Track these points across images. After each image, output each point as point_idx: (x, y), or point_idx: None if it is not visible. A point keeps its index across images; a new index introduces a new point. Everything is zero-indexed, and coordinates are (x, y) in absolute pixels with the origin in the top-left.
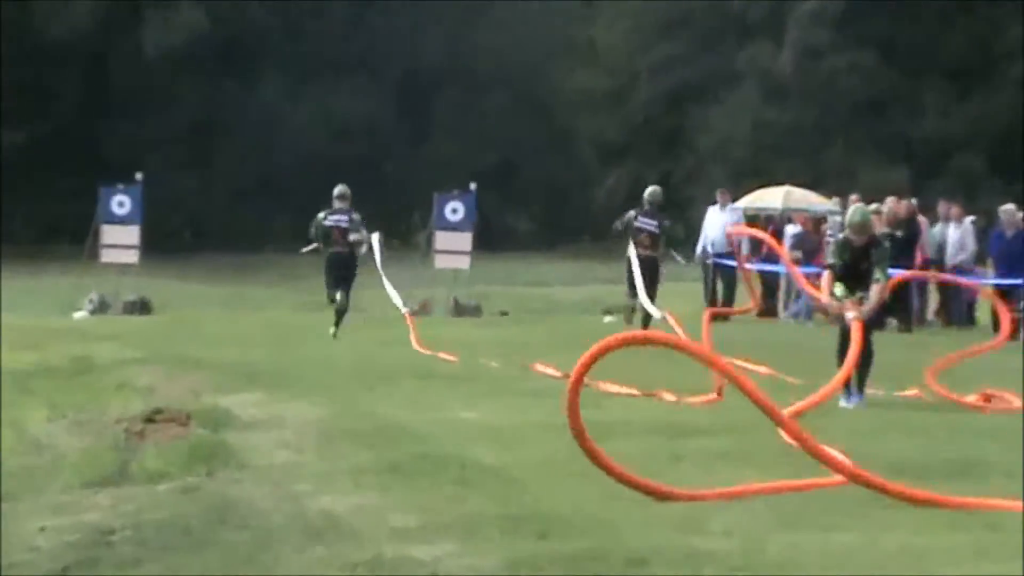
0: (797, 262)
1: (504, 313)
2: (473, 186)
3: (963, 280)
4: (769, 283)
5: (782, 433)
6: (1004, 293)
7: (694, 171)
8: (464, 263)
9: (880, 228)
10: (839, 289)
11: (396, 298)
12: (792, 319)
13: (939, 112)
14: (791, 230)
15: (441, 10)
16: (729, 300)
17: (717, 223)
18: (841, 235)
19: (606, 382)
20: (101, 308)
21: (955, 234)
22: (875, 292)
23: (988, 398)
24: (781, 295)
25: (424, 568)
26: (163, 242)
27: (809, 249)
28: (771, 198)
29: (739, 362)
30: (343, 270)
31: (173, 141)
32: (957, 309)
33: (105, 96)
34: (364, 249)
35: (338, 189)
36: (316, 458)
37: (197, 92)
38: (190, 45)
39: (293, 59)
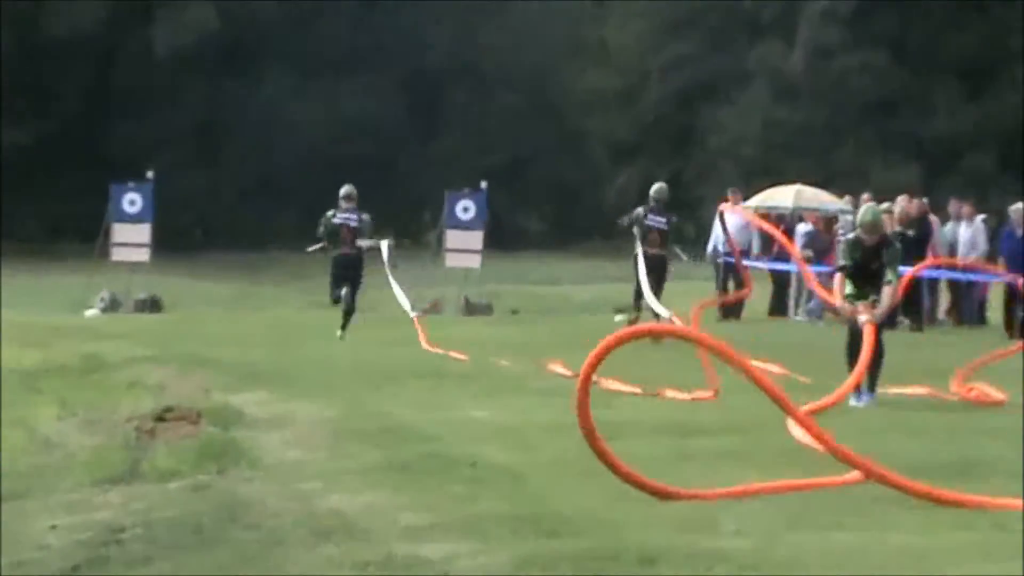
0: (808, 261)
1: (515, 312)
2: (484, 185)
3: (990, 268)
4: (780, 282)
5: (792, 431)
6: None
7: (705, 170)
8: (475, 262)
9: (892, 227)
10: (848, 287)
11: (405, 302)
12: (807, 317)
13: (950, 111)
14: (802, 229)
15: (449, 8)
16: (739, 299)
17: (728, 222)
18: (851, 234)
19: (610, 379)
20: (112, 306)
21: (966, 233)
22: (887, 294)
23: (969, 391)
24: (792, 294)
25: (434, 567)
26: (173, 240)
27: (820, 248)
28: (782, 197)
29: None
30: (350, 271)
31: (180, 139)
32: (968, 308)
33: (112, 95)
34: (370, 245)
35: (344, 189)
36: (326, 457)
37: (204, 90)
38: (198, 44)
39: (300, 57)
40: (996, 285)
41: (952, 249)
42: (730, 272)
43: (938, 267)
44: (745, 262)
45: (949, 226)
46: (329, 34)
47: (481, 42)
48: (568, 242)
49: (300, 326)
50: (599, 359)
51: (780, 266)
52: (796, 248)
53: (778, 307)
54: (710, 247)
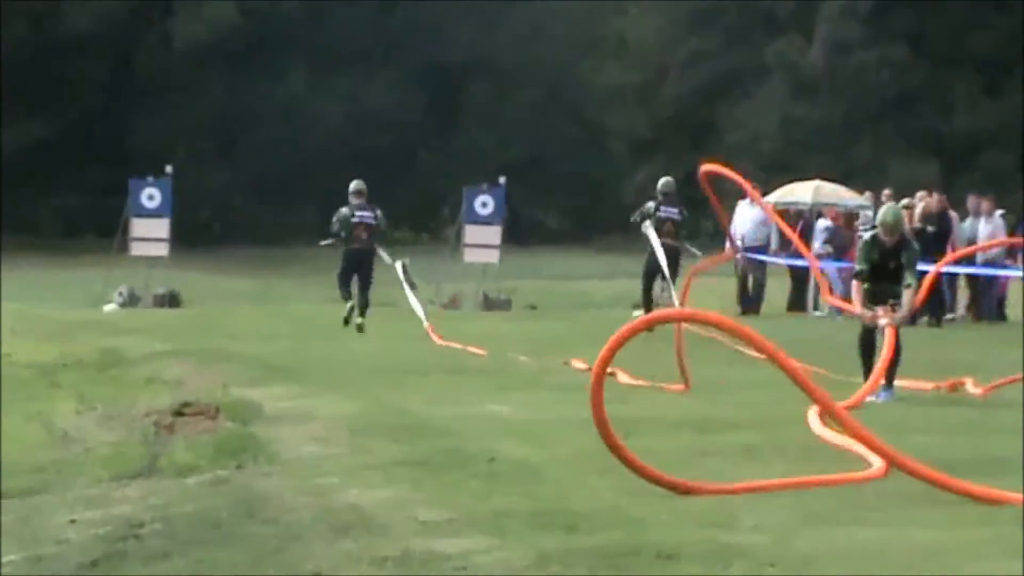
0: (828, 256)
1: (533, 307)
2: (503, 180)
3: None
4: (799, 277)
5: (812, 425)
6: None
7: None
8: (493, 257)
9: (911, 224)
10: (865, 284)
11: (422, 315)
12: (827, 311)
13: (969, 107)
14: (822, 224)
15: (469, 3)
16: (759, 293)
17: (747, 217)
18: (869, 234)
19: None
20: (131, 301)
21: (986, 228)
22: (908, 298)
23: (954, 386)
24: (811, 289)
25: (452, 562)
26: (192, 235)
27: (840, 244)
28: (801, 193)
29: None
30: (363, 267)
31: (199, 134)
32: (987, 304)
33: (132, 89)
34: (387, 262)
35: (355, 184)
36: (344, 452)
37: (223, 85)
38: (218, 38)
39: (319, 52)
40: (1015, 282)
41: (971, 245)
42: (751, 265)
43: (958, 261)
44: (763, 257)
45: (968, 222)
46: (348, 29)
47: (500, 37)
48: (586, 237)
49: (319, 321)
50: (612, 352)
51: (798, 262)
52: (811, 254)
53: (797, 303)
54: (727, 242)
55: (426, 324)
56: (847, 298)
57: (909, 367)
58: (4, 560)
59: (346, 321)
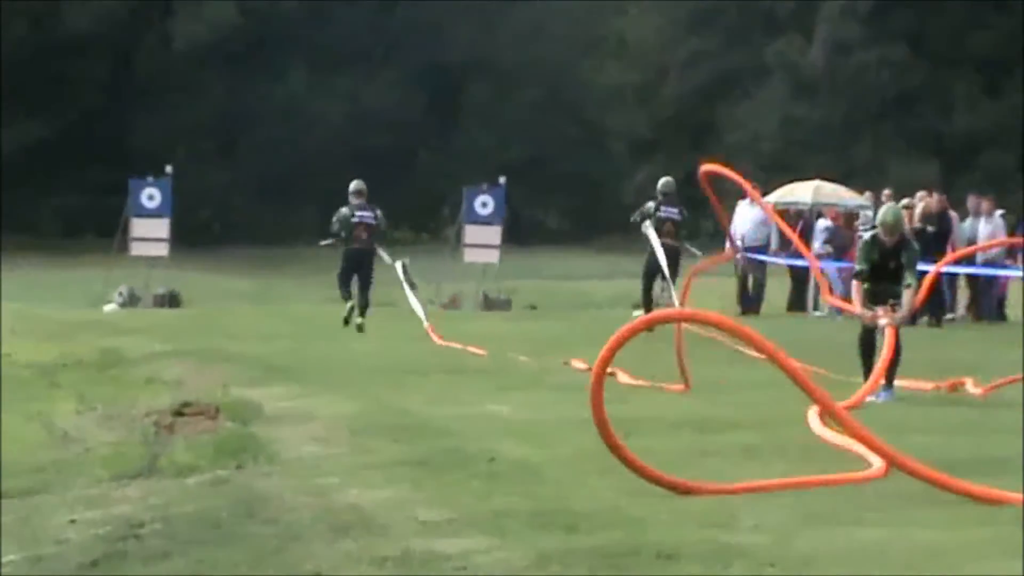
0: (828, 256)
1: (533, 307)
2: (503, 180)
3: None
4: (799, 277)
5: (812, 425)
6: None
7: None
8: (493, 257)
9: (912, 224)
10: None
11: (422, 315)
12: (827, 311)
13: (969, 107)
14: (822, 224)
15: (468, 3)
16: (759, 293)
17: (747, 217)
18: (869, 234)
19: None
20: (131, 301)
21: (986, 228)
22: (908, 298)
23: (954, 386)
24: (811, 290)
25: (452, 562)
26: (192, 235)
27: (840, 244)
28: (801, 193)
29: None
30: (363, 267)
31: (199, 134)
32: (987, 304)
33: (132, 89)
34: (387, 261)
35: (354, 185)
36: (345, 452)
37: (224, 85)
38: (218, 38)
39: (319, 52)
40: (1015, 282)
41: (971, 245)
42: (751, 265)
43: (958, 261)
44: (763, 257)
45: (968, 222)
46: (348, 29)
47: (500, 37)
48: (587, 237)
49: (319, 321)
50: (612, 352)
51: (798, 262)
52: (811, 254)
53: (797, 303)
54: (728, 242)
55: (426, 324)
56: (847, 298)
57: (909, 367)
58: (4, 560)
59: (346, 321)
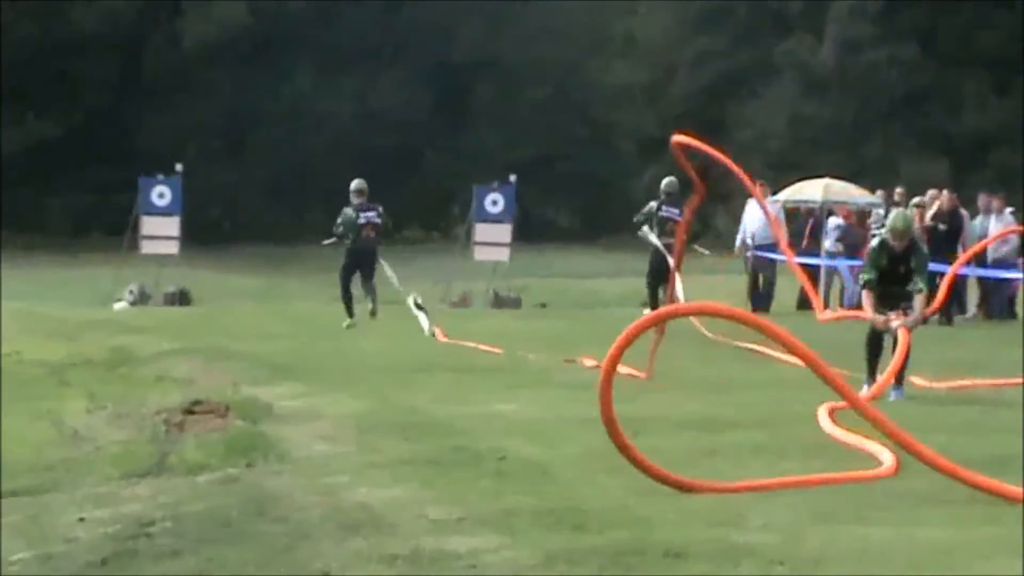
0: (840, 254)
1: (543, 305)
2: (513, 178)
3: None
4: (809, 276)
5: (822, 424)
6: None
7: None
8: (504, 255)
9: (922, 223)
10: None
11: (425, 324)
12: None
13: (979, 105)
14: (833, 222)
15: (477, 3)
16: (769, 291)
17: (757, 216)
18: (877, 239)
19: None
20: (141, 299)
21: (996, 226)
22: (920, 303)
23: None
24: (821, 288)
25: (462, 561)
26: (201, 233)
27: (852, 243)
28: (811, 191)
29: (778, 353)
30: (366, 266)
31: (209, 133)
32: (998, 303)
33: (142, 88)
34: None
35: (355, 184)
36: (354, 451)
37: (233, 84)
38: (227, 37)
39: (328, 51)
40: None
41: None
42: (760, 265)
43: (969, 262)
44: (772, 256)
45: (978, 220)
46: (357, 28)
47: (508, 36)
48: (596, 236)
49: (328, 320)
50: (621, 350)
51: (808, 260)
52: (792, 256)
53: (806, 301)
54: (738, 240)
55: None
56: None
57: (915, 365)
58: (14, 559)
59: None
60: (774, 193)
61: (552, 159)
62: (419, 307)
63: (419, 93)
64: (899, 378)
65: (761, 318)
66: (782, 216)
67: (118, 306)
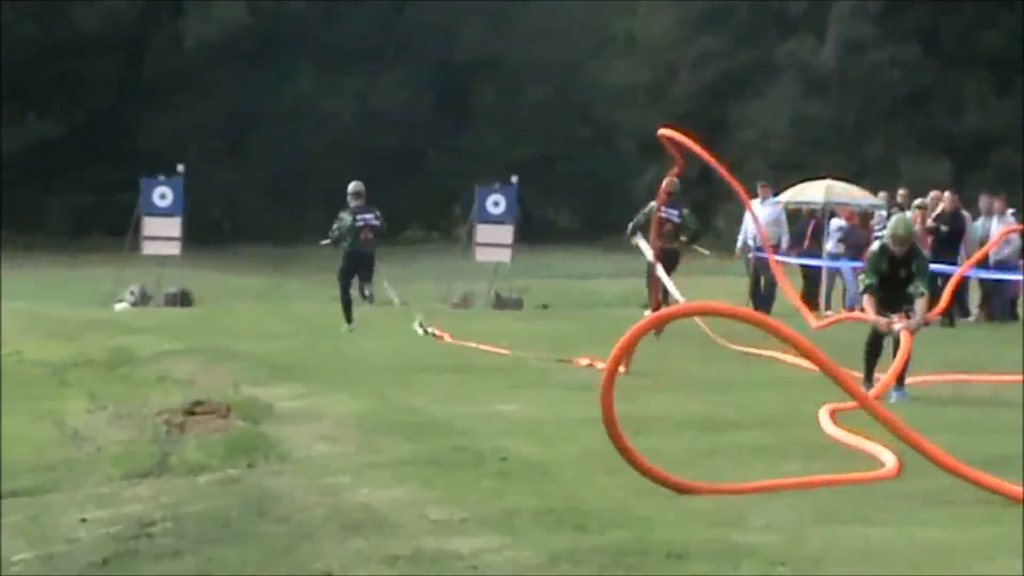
0: (842, 256)
1: (544, 306)
2: (515, 179)
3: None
4: (810, 277)
5: (823, 425)
6: None
7: (735, 165)
8: (505, 256)
9: (923, 224)
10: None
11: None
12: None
13: (980, 106)
14: (835, 224)
15: (479, 3)
16: (771, 292)
17: (758, 216)
18: (878, 243)
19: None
20: (142, 300)
21: (997, 228)
22: (921, 306)
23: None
24: (823, 289)
25: (463, 561)
26: (202, 234)
27: (855, 244)
28: (812, 192)
29: (780, 354)
30: (363, 269)
31: (210, 133)
32: (1000, 304)
33: (143, 88)
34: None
35: (353, 186)
36: (355, 451)
37: (234, 84)
38: (228, 38)
39: (329, 51)
40: None
41: (983, 245)
42: (762, 266)
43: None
44: (776, 256)
45: (980, 221)
46: (358, 29)
47: (510, 36)
48: (598, 236)
49: (329, 320)
50: (624, 351)
51: (810, 261)
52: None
53: (808, 302)
54: (740, 242)
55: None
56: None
57: (917, 366)
58: (15, 559)
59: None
60: (775, 194)
61: (553, 159)
62: (424, 330)
63: (420, 93)
64: (900, 379)
65: (760, 314)
66: (783, 217)
67: (119, 306)
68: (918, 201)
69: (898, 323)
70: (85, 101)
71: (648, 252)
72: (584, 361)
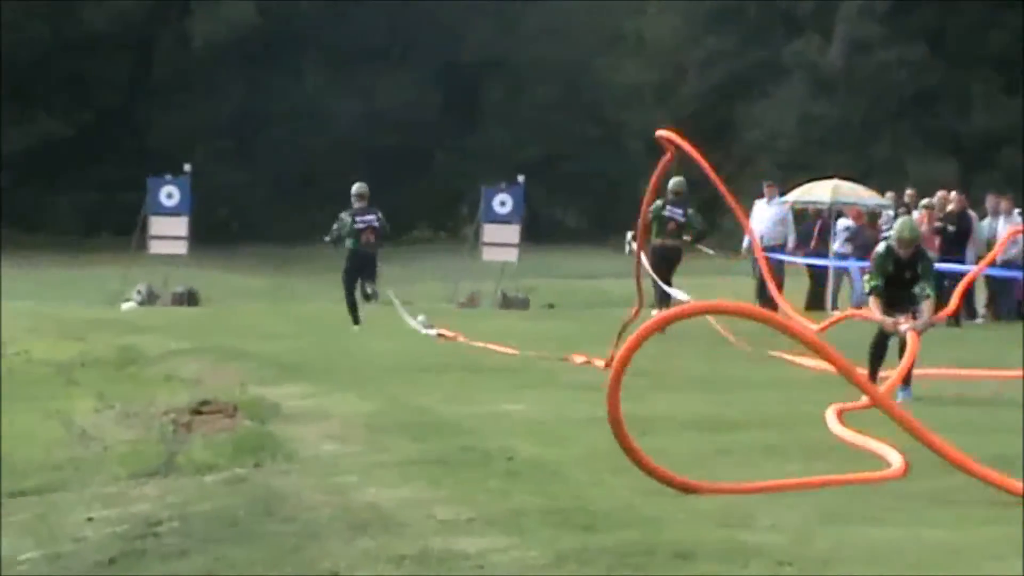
0: (849, 256)
1: (551, 306)
2: (521, 178)
3: None
4: (817, 276)
5: (830, 425)
6: None
7: (742, 165)
8: (512, 256)
9: (930, 223)
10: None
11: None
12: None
13: (987, 106)
14: (843, 224)
15: (486, 2)
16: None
17: (764, 216)
18: (883, 244)
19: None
20: (149, 299)
21: (1004, 228)
22: (928, 308)
23: None
24: (830, 288)
25: (470, 561)
26: (210, 233)
27: (862, 244)
28: (819, 192)
29: (787, 355)
30: (367, 269)
31: (218, 133)
32: (1007, 304)
33: (151, 88)
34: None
35: (356, 187)
36: (362, 450)
37: (242, 84)
38: (236, 37)
39: (337, 51)
40: None
41: (990, 245)
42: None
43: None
44: (780, 256)
45: (987, 221)
46: (366, 28)
47: (517, 36)
48: (605, 236)
49: (336, 319)
50: (632, 351)
51: (817, 261)
52: (763, 254)
53: (815, 301)
54: (746, 241)
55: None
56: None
57: (924, 366)
58: (22, 558)
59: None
60: (782, 194)
61: (560, 159)
62: (426, 328)
63: (428, 93)
64: (906, 379)
65: (770, 312)
66: (790, 217)
67: (126, 306)
68: (925, 201)
69: (904, 324)
70: (93, 101)
71: (632, 244)
72: (580, 359)
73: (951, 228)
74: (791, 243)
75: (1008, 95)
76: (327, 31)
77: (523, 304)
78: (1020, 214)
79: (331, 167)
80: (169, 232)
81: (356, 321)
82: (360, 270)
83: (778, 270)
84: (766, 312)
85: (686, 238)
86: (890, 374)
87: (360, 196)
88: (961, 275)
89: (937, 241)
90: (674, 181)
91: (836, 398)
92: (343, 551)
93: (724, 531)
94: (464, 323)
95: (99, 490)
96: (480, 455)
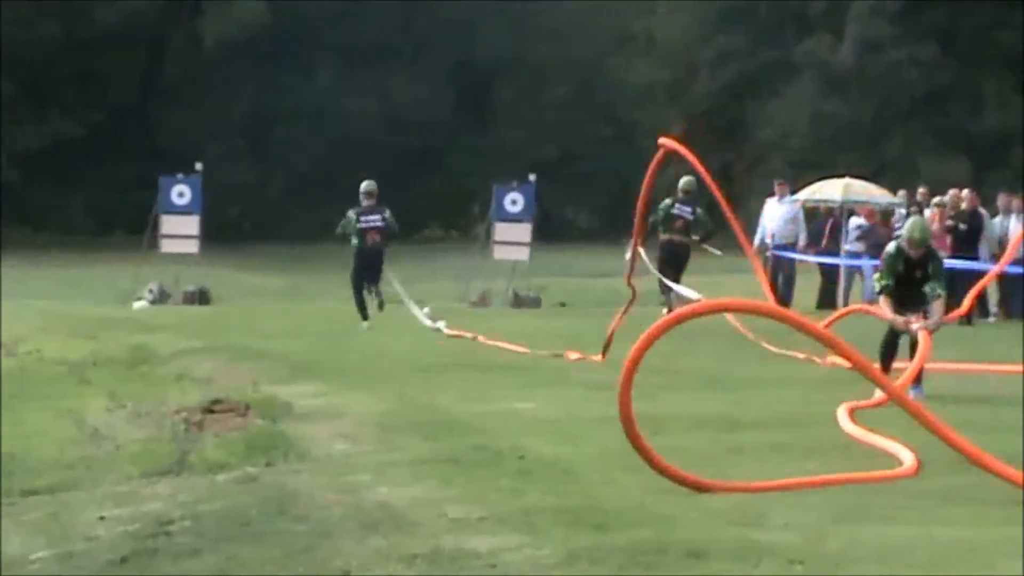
0: (861, 254)
1: (563, 304)
2: (532, 177)
3: None
4: (828, 275)
5: (842, 424)
6: None
7: (754, 163)
8: (524, 254)
9: (942, 222)
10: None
11: (416, 313)
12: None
13: (999, 104)
14: (854, 222)
15: (499, 2)
16: (788, 292)
17: (776, 215)
18: (893, 244)
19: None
20: (161, 298)
21: (1016, 226)
22: (939, 307)
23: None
24: (841, 286)
25: (482, 560)
26: (221, 232)
27: (874, 243)
28: (830, 190)
29: (800, 354)
30: (375, 269)
31: (229, 131)
32: (1019, 302)
33: (162, 87)
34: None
35: (365, 186)
36: (374, 449)
37: (253, 82)
38: (248, 36)
39: (349, 49)
40: None
41: (1002, 243)
42: (779, 265)
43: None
44: (791, 255)
45: (998, 220)
46: (377, 27)
47: (529, 34)
48: (616, 235)
49: (348, 318)
50: (643, 350)
51: (828, 259)
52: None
53: (826, 300)
54: (757, 240)
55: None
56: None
57: (934, 363)
58: (34, 557)
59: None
60: (794, 192)
61: (572, 158)
62: (431, 322)
63: (440, 92)
64: (918, 378)
65: (785, 310)
66: (801, 215)
67: (138, 305)
68: (937, 199)
69: (916, 323)
70: (105, 100)
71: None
72: (574, 355)
73: (963, 226)
74: (802, 241)
75: (1020, 94)
76: (338, 30)
77: (535, 303)
78: None
79: (342, 166)
80: (181, 231)
81: (365, 318)
82: (367, 268)
83: (790, 269)
84: (780, 309)
85: (694, 237)
86: (902, 369)
87: (369, 194)
88: (971, 272)
89: (949, 239)
90: (684, 180)
91: (848, 397)
92: (355, 550)
93: (736, 530)
94: (476, 322)
95: (111, 489)
96: (492, 454)
